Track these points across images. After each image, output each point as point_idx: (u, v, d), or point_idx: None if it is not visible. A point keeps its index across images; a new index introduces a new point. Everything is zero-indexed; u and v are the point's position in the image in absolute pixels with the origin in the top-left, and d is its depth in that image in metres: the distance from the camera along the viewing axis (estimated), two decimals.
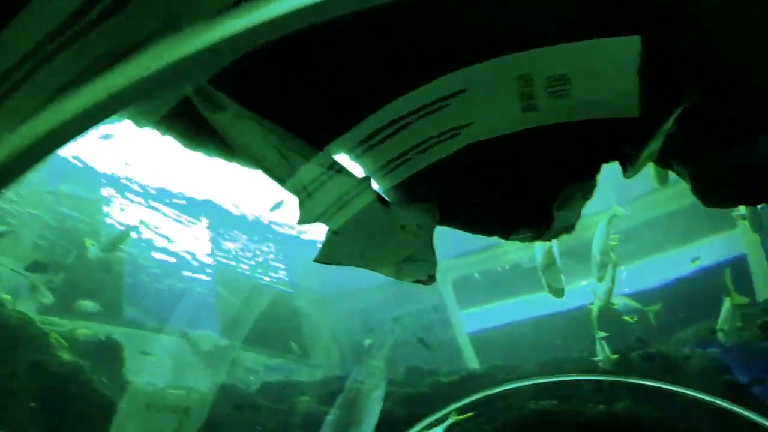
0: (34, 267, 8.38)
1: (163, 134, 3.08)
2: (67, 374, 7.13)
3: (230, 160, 3.20)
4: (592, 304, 8.63)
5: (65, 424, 6.79)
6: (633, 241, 10.30)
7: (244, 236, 15.92)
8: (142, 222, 14.15)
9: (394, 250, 3.03)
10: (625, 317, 9.47)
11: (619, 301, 9.18)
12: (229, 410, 10.45)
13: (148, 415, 9.50)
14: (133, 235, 13.72)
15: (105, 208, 14.34)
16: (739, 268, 9.08)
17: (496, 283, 12.22)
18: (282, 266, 16.14)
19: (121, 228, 13.46)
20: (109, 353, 9.48)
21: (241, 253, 16.09)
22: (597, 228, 7.82)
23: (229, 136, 2.71)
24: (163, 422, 9.73)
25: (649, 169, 7.13)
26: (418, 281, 3.28)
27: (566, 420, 8.27)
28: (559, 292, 7.59)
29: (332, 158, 2.86)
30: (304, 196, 2.79)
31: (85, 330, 9.58)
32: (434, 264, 3.18)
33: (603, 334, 8.50)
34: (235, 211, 15.41)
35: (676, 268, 10.63)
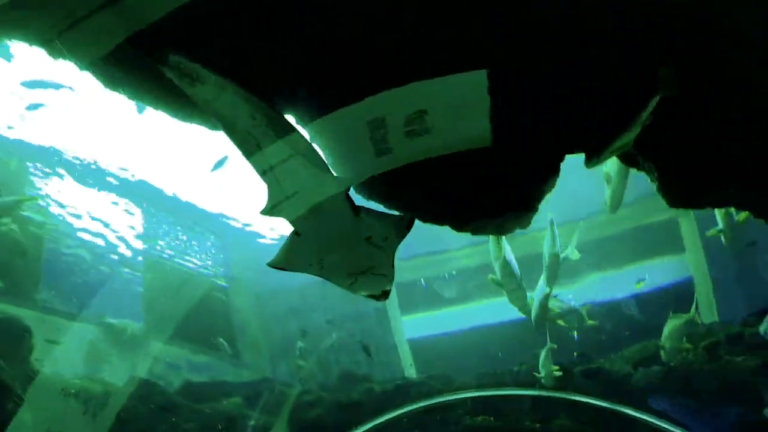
0: None
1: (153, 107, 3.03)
2: None
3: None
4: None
5: None
6: (585, 256, 10.17)
7: (180, 223, 15.03)
8: (56, 202, 13.05)
9: (354, 261, 2.92)
10: (564, 325, 9.27)
11: (553, 304, 8.94)
12: (145, 408, 9.66)
13: (56, 405, 8.77)
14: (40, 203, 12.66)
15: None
16: (685, 290, 9.03)
17: (441, 289, 11.85)
18: (218, 257, 15.32)
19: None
20: (12, 337, 8.57)
21: (175, 241, 15.18)
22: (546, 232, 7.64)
23: (210, 110, 2.59)
24: (70, 414, 8.99)
25: (605, 192, 7.04)
26: (371, 296, 3.18)
27: None
28: (520, 302, 7.42)
29: (314, 150, 2.72)
30: (275, 185, 2.67)
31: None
32: (391, 280, 3.06)
33: (550, 345, 8.21)
34: (171, 196, 14.53)
35: (623, 287, 10.55)
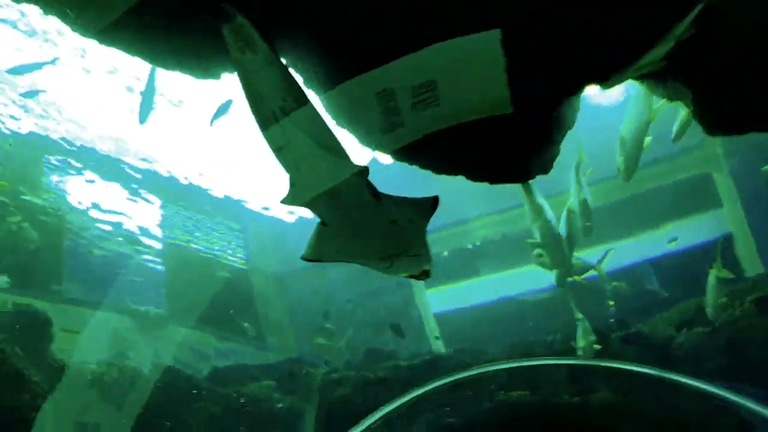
0: None
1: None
2: None
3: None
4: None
5: None
6: (613, 219, 9.65)
7: (198, 210, 14.94)
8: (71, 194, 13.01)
9: (384, 245, 2.92)
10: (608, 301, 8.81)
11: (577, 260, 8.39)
12: (173, 394, 9.53)
13: (82, 394, 8.70)
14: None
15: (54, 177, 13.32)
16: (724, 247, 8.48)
17: (465, 261, 11.45)
18: (238, 242, 15.22)
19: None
20: (32, 328, 8.46)
21: (194, 228, 15.10)
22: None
23: (247, 81, 2.60)
24: (97, 403, 8.92)
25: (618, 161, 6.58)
26: (411, 276, 3.15)
27: (539, 414, 7.55)
28: (563, 265, 6.94)
29: (336, 140, 2.73)
30: (296, 175, 2.68)
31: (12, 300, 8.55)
32: (428, 259, 3.04)
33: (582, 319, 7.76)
34: (188, 185, 14.41)
35: (656, 248, 10.04)
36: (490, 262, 11.26)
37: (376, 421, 6.50)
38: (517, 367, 7.33)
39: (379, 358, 9.49)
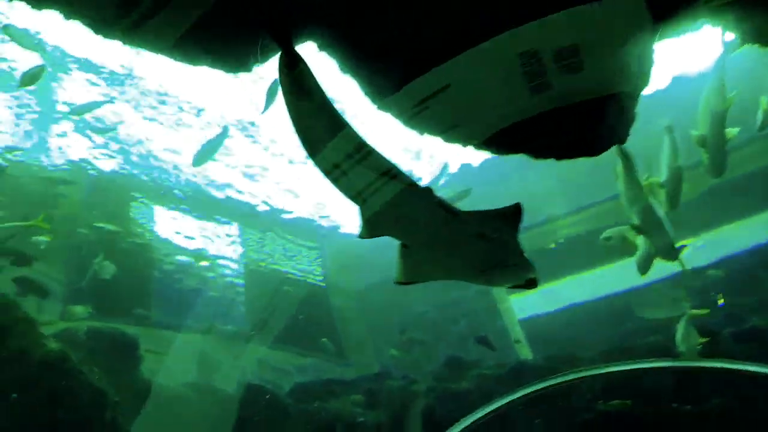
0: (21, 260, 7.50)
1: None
2: (52, 364, 6.25)
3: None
4: None
5: (49, 414, 5.89)
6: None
7: (275, 230, 15.22)
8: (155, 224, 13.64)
9: (477, 259, 2.86)
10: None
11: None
12: (257, 412, 9.50)
13: (171, 414, 8.78)
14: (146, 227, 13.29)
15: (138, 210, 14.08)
16: None
17: (548, 262, 10.74)
18: (316, 260, 15.32)
19: None
20: (120, 350, 8.70)
21: (272, 248, 15.38)
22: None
23: (299, 124, 2.62)
24: (187, 422, 8.99)
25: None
26: (517, 286, 3.06)
27: (644, 426, 6.80)
28: (669, 251, 6.18)
29: (390, 163, 2.69)
30: (364, 207, 2.71)
31: (89, 324, 8.83)
32: (530, 268, 2.93)
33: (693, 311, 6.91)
34: (263, 205, 14.75)
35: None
36: (575, 262, 10.52)
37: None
38: (616, 372, 6.62)
39: (462, 368, 9.02)
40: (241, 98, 10.34)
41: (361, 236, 2.76)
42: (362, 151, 2.64)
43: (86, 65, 9.88)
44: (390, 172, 2.66)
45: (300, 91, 2.54)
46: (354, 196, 2.71)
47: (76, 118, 10.55)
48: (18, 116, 11.74)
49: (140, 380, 8.70)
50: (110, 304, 10.90)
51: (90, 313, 9.95)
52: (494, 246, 2.84)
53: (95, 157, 12.91)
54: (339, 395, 10.30)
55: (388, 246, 2.92)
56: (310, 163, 2.72)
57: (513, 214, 2.86)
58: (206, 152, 9.23)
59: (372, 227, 2.74)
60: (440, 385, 8.66)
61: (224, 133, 9.24)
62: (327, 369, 11.80)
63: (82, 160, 12.88)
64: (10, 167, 11.77)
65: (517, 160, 3.48)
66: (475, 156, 11.11)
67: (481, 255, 2.85)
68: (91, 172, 13.02)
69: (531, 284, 3.01)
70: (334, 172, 2.66)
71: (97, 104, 9.56)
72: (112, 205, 13.38)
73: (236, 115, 11.02)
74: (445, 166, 11.23)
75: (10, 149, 10.84)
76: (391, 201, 2.66)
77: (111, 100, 9.82)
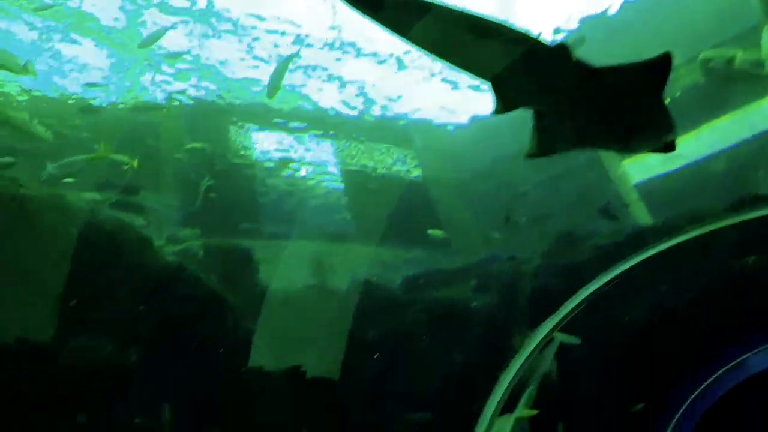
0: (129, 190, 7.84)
1: None
2: (171, 274, 6.58)
3: None
4: None
5: (173, 323, 6.27)
6: None
7: (367, 131, 15.09)
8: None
9: (615, 120, 2.66)
10: None
11: None
12: (371, 307, 9.74)
13: (291, 319, 9.18)
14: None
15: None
16: None
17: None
18: (410, 156, 15.10)
19: None
20: (236, 262, 9.12)
21: (367, 149, 15.34)
22: None
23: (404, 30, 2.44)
24: (306, 324, 9.38)
25: None
26: (655, 150, 2.91)
27: None
28: None
29: (512, 28, 2.48)
30: (496, 80, 2.55)
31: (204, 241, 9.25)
32: (670, 128, 2.74)
33: None
34: (355, 108, 14.59)
35: None
36: (691, 114, 9.27)
37: (577, 306, 5.70)
38: (751, 221, 5.84)
39: (575, 242, 8.52)
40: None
41: (497, 112, 2.62)
42: (480, 25, 2.45)
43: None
44: (515, 37, 2.49)
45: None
46: (483, 72, 2.56)
47: (151, 47, 10.62)
48: (109, 55, 12.14)
49: (257, 287, 9.13)
50: (221, 222, 11.44)
51: (202, 234, 10.45)
52: (638, 105, 2.65)
53: (188, 87, 13.26)
54: (449, 283, 10.29)
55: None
56: (400, 59, 2.48)
57: (661, 65, 2.58)
58: (276, 79, 8.97)
59: (507, 100, 2.59)
60: (553, 261, 8.27)
61: (292, 56, 8.89)
62: (434, 260, 11.78)
63: (176, 92, 13.27)
64: (110, 107, 12.36)
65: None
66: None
67: (623, 116, 2.67)
68: (187, 101, 13.43)
69: (670, 147, 2.85)
70: (458, 55, 2.53)
71: (164, 30, 9.50)
72: (211, 131, 13.82)
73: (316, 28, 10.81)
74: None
75: (92, 84, 11.21)
76: (524, 67, 2.49)
77: (173, 26, 9.72)
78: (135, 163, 7.60)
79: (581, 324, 6.42)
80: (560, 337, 5.76)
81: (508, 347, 7.08)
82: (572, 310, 5.59)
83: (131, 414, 5.24)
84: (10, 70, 5.56)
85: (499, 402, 4.77)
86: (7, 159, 5.57)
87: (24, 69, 5.56)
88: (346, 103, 14.32)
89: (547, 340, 5.36)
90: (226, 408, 6.02)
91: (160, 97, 12.84)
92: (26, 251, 5.43)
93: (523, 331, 6.83)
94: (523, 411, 5.65)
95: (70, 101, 11.61)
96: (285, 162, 14.25)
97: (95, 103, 11.42)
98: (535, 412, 5.46)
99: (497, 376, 5.19)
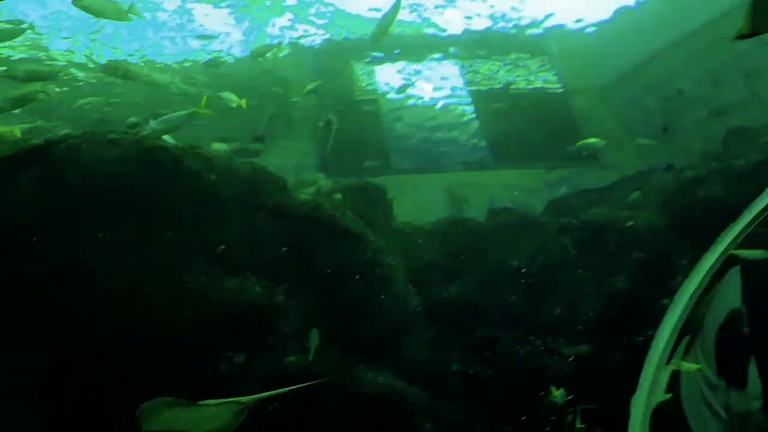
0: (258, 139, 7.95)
1: None
2: (309, 214, 6.61)
3: None
4: None
5: (314, 262, 6.32)
6: None
7: (499, 49, 14.17)
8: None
9: None
10: None
11: None
12: (514, 237, 9.22)
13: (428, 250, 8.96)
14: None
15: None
16: None
17: None
18: (545, 66, 13.95)
19: None
20: (370, 199, 9.06)
21: (496, 66, 14.41)
22: None
23: None
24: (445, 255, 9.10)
25: None
26: None
27: None
28: None
29: None
30: None
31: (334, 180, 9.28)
32: None
33: None
34: (482, 27, 13.72)
35: None
36: None
37: (759, 215, 4.73)
38: None
39: (748, 140, 7.19)
40: None
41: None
42: None
43: None
44: None
45: None
46: None
47: None
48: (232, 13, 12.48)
49: (392, 223, 9.02)
50: (351, 162, 11.46)
51: (334, 174, 10.52)
52: None
53: (308, 33, 13.32)
54: (600, 203, 9.38)
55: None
56: None
57: None
58: (384, 26, 8.45)
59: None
60: (722, 165, 7.06)
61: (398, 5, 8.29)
62: (581, 178, 10.82)
63: (299, 38, 13.38)
64: (236, 62, 12.76)
65: None
66: None
67: None
68: (309, 45, 13.51)
69: None
70: None
71: None
72: (336, 71, 13.84)
73: None
74: None
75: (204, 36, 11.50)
76: None
77: None
78: (243, 102, 7.67)
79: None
80: (744, 254, 4.83)
81: (676, 270, 6.26)
82: (752, 220, 4.59)
83: (281, 353, 5.36)
84: (113, 17, 5.69)
85: (671, 333, 4.12)
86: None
87: (126, 14, 5.65)
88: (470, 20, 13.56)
89: (724, 259, 4.47)
90: (368, 343, 6.02)
91: (284, 42, 13.04)
92: (179, 200, 5.69)
93: (691, 251, 5.92)
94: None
95: (193, 59, 12.19)
96: (407, 88, 13.79)
97: (218, 56, 11.83)
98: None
99: (663, 303, 4.49)
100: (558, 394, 5.56)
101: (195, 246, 5.62)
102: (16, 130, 5.50)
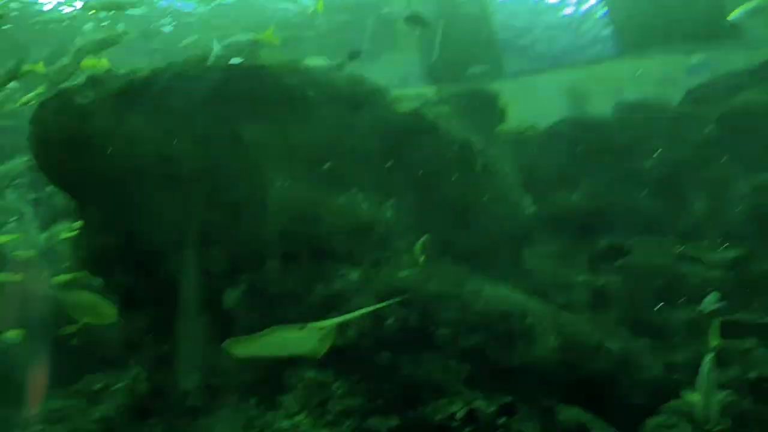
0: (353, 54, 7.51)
1: None
2: (413, 125, 6.29)
3: None
4: None
5: (420, 175, 6.05)
6: None
7: None
8: None
9: None
10: None
11: None
12: (647, 135, 8.33)
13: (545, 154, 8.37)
14: None
15: None
16: None
17: None
18: None
19: None
20: (481, 106, 8.52)
21: None
22: None
23: None
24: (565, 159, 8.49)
25: None
26: None
27: None
28: None
29: None
30: None
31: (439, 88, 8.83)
32: None
33: None
34: None
35: None
36: None
37: None
38: None
39: None
40: None
41: None
42: None
43: None
44: None
45: None
46: None
47: None
48: None
49: (506, 128, 8.48)
50: (459, 68, 10.77)
51: (441, 82, 10.04)
52: None
53: None
54: (749, 87, 8.11)
55: None
56: None
57: None
58: None
59: None
60: None
61: None
62: (725, 60, 9.35)
63: None
64: None
65: None
66: None
67: None
68: None
69: None
70: None
71: None
72: None
73: None
74: None
75: None
76: None
77: None
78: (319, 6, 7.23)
79: None
80: None
81: None
82: None
83: (395, 267, 5.23)
84: None
85: None
86: None
87: None
88: None
89: None
90: (484, 254, 5.74)
91: None
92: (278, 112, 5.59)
93: None
94: None
95: None
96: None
97: None
98: None
99: None
100: (709, 300, 5.19)
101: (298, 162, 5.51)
102: (105, 62, 5.63)
